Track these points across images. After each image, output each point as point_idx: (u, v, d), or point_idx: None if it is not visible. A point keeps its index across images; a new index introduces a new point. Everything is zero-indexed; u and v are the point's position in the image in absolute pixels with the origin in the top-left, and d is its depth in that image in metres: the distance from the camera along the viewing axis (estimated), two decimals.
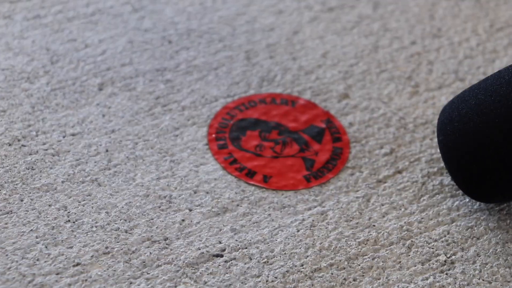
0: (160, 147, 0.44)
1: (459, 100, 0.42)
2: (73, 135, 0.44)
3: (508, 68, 0.41)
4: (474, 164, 0.41)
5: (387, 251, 0.41)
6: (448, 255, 0.41)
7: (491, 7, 0.54)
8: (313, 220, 0.42)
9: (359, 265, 0.41)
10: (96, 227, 0.41)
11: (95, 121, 0.45)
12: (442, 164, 0.45)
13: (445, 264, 0.41)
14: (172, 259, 0.40)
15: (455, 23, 0.53)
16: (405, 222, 0.42)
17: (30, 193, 0.42)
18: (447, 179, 0.44)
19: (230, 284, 0.39)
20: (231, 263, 0.40)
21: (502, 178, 0.40)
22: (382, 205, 0.43)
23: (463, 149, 0.41)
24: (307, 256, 0.41)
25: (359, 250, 0.41)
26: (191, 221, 0.41)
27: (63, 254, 0.39)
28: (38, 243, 0.40)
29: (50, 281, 0.38)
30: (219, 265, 0.40)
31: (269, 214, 0.42)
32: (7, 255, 0.39)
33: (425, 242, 0.42)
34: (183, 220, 0.41)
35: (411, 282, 0.40)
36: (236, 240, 0.41)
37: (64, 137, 0.44)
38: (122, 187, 0.42)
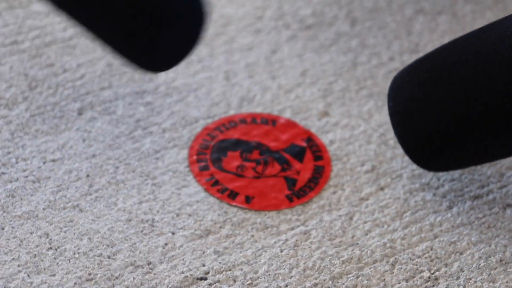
0: (141, 170, 0.44)
1: (411, 68, 0.42)
2: (53, 161, 0.44)
3: (462, 38, 0.41)
4: (424, 129, 0.41)
5: (371, 269, 0.41)
6: (432, 271, 0.41)
7: (468, 21, 0.54)
8: (296, 240, 0.42)
9: (344, 284, 0.41)
10: (78, 253, 0.40)
11: (75, 146, 0.45)
12: (424, 180, 0.45)
13: (429, 281, 0.41)
14: (156, 283, 0.40)
15: (433, 38, 0.53)
16: (388, 239, 0.42)
17: (11, 221, 0.41)
18: (429, 195, 0.45)
19: None
20: (215, 285, 0.40)
21: (451, 145, 0.40)
22: (365, 222, 0.43)
23: (414, 114, 0.41)
24: (291, 277, 0.41)
25: (343, 269, 0.41)
26: (174, 244, 0.41)
27: (45, 282, 0.39)
28: (20, 272, 0.39)
29: None
30: None
31: (252, 235, 0.42)
32: None
33: (409, 259, 0.42)
34: (166, 244, 0.41)
35: None
36: (220, 263, 0.41)
37: (44, 163, 0.44)
38: (104, 212, 0.42)
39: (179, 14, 0.42)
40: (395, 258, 0.42)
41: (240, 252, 0.41)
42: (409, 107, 0.42)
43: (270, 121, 0.47)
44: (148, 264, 0.40)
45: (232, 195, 0.44)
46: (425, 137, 0.41)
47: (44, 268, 0.40)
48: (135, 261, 0.40)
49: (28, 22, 0.51)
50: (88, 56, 0.50)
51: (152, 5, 0.40)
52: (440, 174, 0.46)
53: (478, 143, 0.41)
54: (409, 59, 0.52)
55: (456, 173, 0.46)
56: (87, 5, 0.40)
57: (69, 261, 0.40)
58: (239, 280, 0.40)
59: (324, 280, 0.41)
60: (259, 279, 0.40)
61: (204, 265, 0.41)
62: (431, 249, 0.42)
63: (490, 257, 0.42)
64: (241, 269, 0.41)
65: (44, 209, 0.42)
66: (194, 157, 0.45)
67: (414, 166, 0.46)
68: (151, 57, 0.43)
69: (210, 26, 0.52)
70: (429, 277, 0.41)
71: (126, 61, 0.43)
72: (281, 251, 0.42)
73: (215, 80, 0.49)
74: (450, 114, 0.40)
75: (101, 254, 0.41)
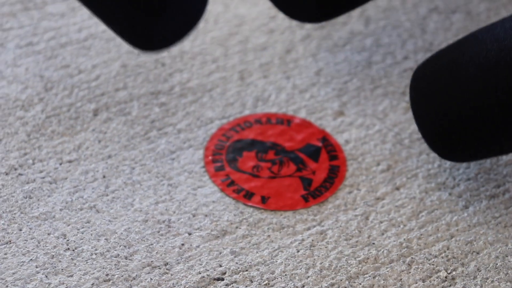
0: (157, 171, 0.44)
1: (432, 58, 0.42)
2: (69, 162, 0.44)
3: (481, 30, 0.41)
4: (445, 119, 0.41)
5: (388, 269, 0.41)
6: (449, 271, 0.41)
7: (482, 19, 0.54)
8: (312, 240, 0.42)
9: (360, 284, 0.41)
10: (95, 254, 0.41)
11: (91, 147, 0.45)
12: (440, 179, 0.45)
13: (446, 280, 0.41)
14: (173, 284, 0.40)
15: (447, 37, 0.53)
16: (404, 239, 0.42)
17: (28, 222, 0.42)
18: (445, 194, 0.45)
19: None
20: (232, 286, 0.40)
21: (472, 135, 0.40)
22: (381, 222, 0.43)
23: (434, 105, 0.41)
24: (308, 277, 0.41)
25: (359, 268, 0.41)
26: (191, 245, 0.41)
27: (63, 283, 0.39)
28: (38, 273, 0.40)
29: None
30: None
31: (269, 236, 0.42)
32: (7, 286, 0.39)
33: (425, 259, 0.42)
34: (182, 245, 0.41)
35: None
36: (236, 263, 0.41)
37: (60, 164, 0.44)
38: (121, 213, 0.42)
39: None
40: (412, 258, 0.42)
41: (257, 252, 0.41)
42: (429, 95, 0.42)
43: (285, 121, 0.47)
44: (165, 265, 0.41)
45: (248, 195, 0.44)
46: (444, 123, 0.41)
47: (62, 269, 0.40)
48: (152, 261, 0.41)
49: (43, 23, 0.51)
50: (103, 57, 0.50)
51: None
52: (456, 173, 0.46)
53: (493, 132, 0.41)
54: (423, 57, 0.51)
55: (472, 173, 0.46)
56: None
57: (87, 262, 0.40)
58: (256, 280, 0.40)
59: (341, 280, 0.41)
60: (276, 279, 0.40)
61: (221, 266, 0.41)
62: (448, 248, 0.42)
63: (507, 256, 0.42)
64: (258, 269, 0.41)
65: (61, 210, 0.42)
66: (210, 158, 0.45)
67: (430, 166, 0.46)
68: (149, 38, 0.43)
69: (224, 26, 0.52)
70: (445, 277, 0.41)
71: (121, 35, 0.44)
72: (298, 251, 0.42)
73: (230, 80, 0.49)
74: (467, 103, 0.40)
75: (118, 254, 0.41)
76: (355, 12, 0.54)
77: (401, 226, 0.43)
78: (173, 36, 0.45)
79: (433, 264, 0.41)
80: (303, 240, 0.42)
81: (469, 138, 0.41)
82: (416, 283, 0.41)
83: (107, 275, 0.40)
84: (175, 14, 0.44)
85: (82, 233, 0.41)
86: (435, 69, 0.42)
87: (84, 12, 0.52)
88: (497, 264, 0.42)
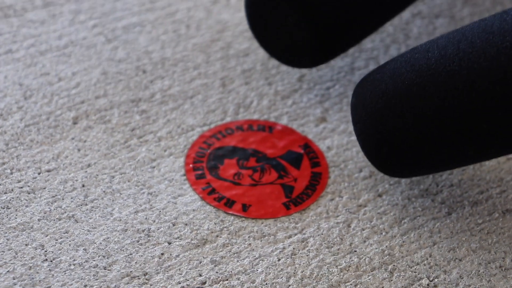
0: (137, 179, 0.44)
1: (375, 69, 0.43)
2: (48, 171, 0.44)
3: (427, 41, 0.41)
4: (385, 130, 0.41)
5: (370, 277, 0.41)
6: (431, 278, 0.41)
7: (466, 23, 0.54)
8: (293, 248, 0.42)
9: None
10: (74, 265, 0.40)
11: (71, 156, 0.45)
12: (423, 186, 0.45)
13: None
14: None
15: None
16: (386, 246, 0.42)
17: (6, 232, 0.41)
18: (427, 201, 0.44)
19: None
20: None
21: (413, 146, 0.40)
22: (363, 229, 0.43)
23: (373, 114, 0.41)
24: (289, 286, 0.40)
25: (341, 277, 0.41)
26: (171, 254, 0.41)
27: None
28: (15, 284, 0.39)
29: None
30: None
31: (249, 244, 0.42)
32: None
33: (407, 266, 0.41)
34: (162, 254, 0.41)
35: None
36: (217, 272, 0.40)
37: (39, 173, 0.44)
38: (100, 223, 0.42)
39: None
40: (394, 265, 0.41)
41: (237, 261, 0.41)
42: (368, 107, 0.42)
43: (267, 128, 0.47)
44: (145, 275, 0.40)
45: (228, 204, 0.43)
46: (384, 134, 0.41)
47: (40, 280, 0.39)
48: (131, 271, 0.40)
49: (23, 30, 0.51)
50: (83, 65, 0.49)
51: None
52: (439, 179, 0.45)
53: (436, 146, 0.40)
54: None
55: (455, 179, 0.45)
56: None
57: (65, 273, 0.40)
58: None
59: None
60: None
61: (201, 275, 0.40)
62: (430, 256, 0.42)
63: (489, 263, 0.42)
64: (238, 279, 0.40)
65: (39, 220, 0.42)
66: (191, 165, 0.45)
67: None
68: None
69: (206, 33, 0.52)
70: (428, 284, 0.41)
71: None
72: (279, 260, 0.41)
73: (211, 87, 0.49)
74: (408, 111, 0.40)
75: (97, 265, 0.40)
76: None
77: (383, 233, 0.43)
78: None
79: (415, 272, 0.41)
80: (284, 248, 0.42)
81: (409, 149, 0.41)
82: None
83: (85, 286, 0.39)
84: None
85: (61, 244, 0.41)
86: (376, 78, 0.42)
87: (65, 19, 0.52)
88: (479, 271, 0.41)
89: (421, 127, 0.40)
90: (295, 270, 0.41)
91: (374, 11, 0.46)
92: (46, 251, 0.40)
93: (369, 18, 0.46)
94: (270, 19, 0.45)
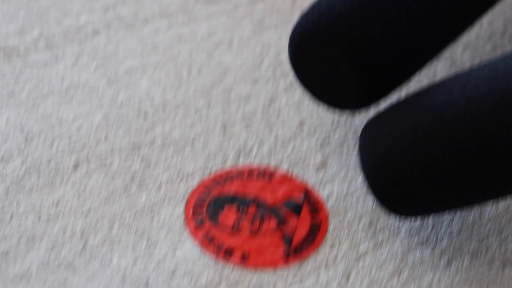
0: (136, 227, 0.44)
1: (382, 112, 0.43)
2: (48, 217, 0.44)
3: (431, 85, 0.42)
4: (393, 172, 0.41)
5: None
6: None
7: (466, 67, 0.54)
8: None
9: None
10: None
11: (71, 202, 0.45)
12: (423, 234, 0.45)
13: None
14: None
15: None
16: None
17: (5, 282, 0.41)
18: (427, 251, 0.44)
19: None
20: None
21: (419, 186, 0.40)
22: (362, 280, 0.43)
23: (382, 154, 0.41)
24: None
25: None
26: None
27: None
28: None
29: None
30: None
31: None
32: None
33: None
34: None
35: None
36: None
37: (39, 220, 0.44)
38: (98, 272, 0.42)
39: None
40: None
41: None
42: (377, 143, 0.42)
43: (268, 174, 0.47)
44: None
45: (228, 253, 0.43)
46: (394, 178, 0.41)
47: None
48: None
49: (26, 72, 0.51)
50: (85, 107, 0.50)
51: None
52: (439, 227, 0.45)
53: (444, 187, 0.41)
54: None
55: (455, 227, 0.45)
56: None
57: None
58: None
59: None
60: None
61: None
62: None
63: None
64: None
65: (38, 269, 0.42)
66: (191, 213, 0.45)
67: (413, 219, 0.45)
68: None
69: (208, 76, 0.52)
70: None
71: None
72: None
73: (212, 131, 0.49)
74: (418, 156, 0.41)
75: None
76: None
77: (383, 284, 0.43)
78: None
79: None
80: None
81: (418, 188, 0.41)
82: None
83: None
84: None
85: None
86: (382, 121, 0.42)
87: (68, 61, 0.52)
88: None
89: (429, 169, 0.40)
90: None
91: (426, 59, 0.46)
92: None
93: (419, 65, 0.46)
94: (317, 62, 0.45)
